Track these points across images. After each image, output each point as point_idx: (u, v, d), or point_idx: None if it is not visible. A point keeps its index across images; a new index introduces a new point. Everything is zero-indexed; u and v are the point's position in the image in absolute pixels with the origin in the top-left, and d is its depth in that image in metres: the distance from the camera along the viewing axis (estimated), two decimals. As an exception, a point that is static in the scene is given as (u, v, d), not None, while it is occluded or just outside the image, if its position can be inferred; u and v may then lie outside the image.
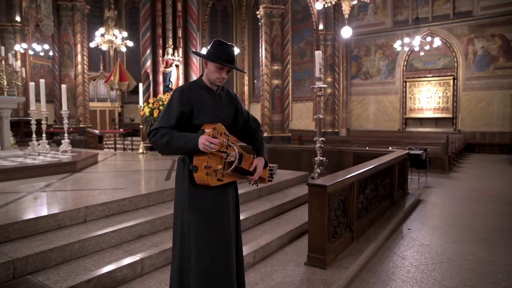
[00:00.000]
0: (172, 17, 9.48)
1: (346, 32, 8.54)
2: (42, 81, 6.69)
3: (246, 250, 3.48)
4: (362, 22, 17.07)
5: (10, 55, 11.09)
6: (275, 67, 14.07)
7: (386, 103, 16.75)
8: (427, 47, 14.18)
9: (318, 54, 6.17)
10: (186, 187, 2.20)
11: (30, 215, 3.15)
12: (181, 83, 9.69)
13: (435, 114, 15.65)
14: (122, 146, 11.45)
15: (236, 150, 2.16)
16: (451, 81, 15.19)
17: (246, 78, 23.13)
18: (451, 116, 15.28)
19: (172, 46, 9.41)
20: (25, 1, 15.71)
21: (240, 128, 2.46)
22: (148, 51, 9.59)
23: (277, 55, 14.01)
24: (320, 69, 6.16)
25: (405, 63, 16.24)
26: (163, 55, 9.37)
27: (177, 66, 9.38)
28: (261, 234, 3.95)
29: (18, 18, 15.33)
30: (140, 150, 8.74)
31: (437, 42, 14.00)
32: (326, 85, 6.47)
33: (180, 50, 9.64)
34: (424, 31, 15.14)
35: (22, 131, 11.86)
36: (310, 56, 18.28)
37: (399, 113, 16.43)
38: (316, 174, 6.23)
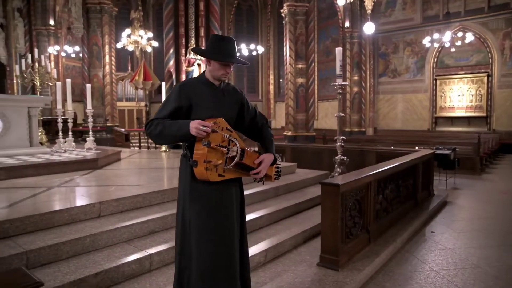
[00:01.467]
0: (194, 17, 9.57)
1: (369, 28, 8.31)
2: (68, 81, 6.91)
3: (257, 248, 3.44)
4: (390, 19, 16.59)
5: (43, 57, 11.55)
6: (300, 66, 13.91)
7: (415, 101, 16.20)
8: (458, 43, 13.59)
9: (339, 51, 6.01)
10: (188, 183, 2.18)
11: (46, 209, 3.23)
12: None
13: (468, 113, 14.98)
14: (146, 144, 11.68)
15: (238, 145, 2.12)
16: (485, 78, 14.48)
17: (271, 77, 23.09)
18: (484, 115, 14.58)
19: (194, 45, 9.49)
20: (58, 6, 16.35)
21: (247, 125, 2.41)
22: (171, 51, 9.74)
23: (302, 54, 13.84)
24: (340, 66, 6.01)
25: (435, 60, 15.65)
26: (186, 55, 9.47)
27: (199, 65, 9.45)
28: (274, 233, 3.89)
29: (52, 22, 15.96)
30: (163, 148, 8.87)
31: (470, 37, 13.37)
32: (347, 83, 6.30)
33: (203, 49, 9.71)
34: (455, 26, 14.53)
35: (53, 129, 12.33)
36: (336, 54, 17.99)
37: (429, 112, 15.85)
38: (336, 174, 6.09)
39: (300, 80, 14.05)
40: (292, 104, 14.24)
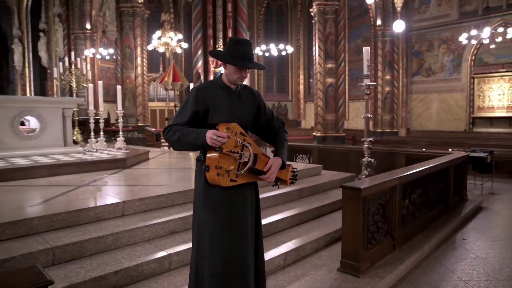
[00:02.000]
0: (222, 18, 9.66)
1: (399, 26, 8.04)
2: (100, 82, 7.17)
3: (277, 252, 3.41)
4: (424, 15, 16.01)
5: (79, 59, 12.06)
6: (329, 65, 13.72)
7: (451, 101, 15.54)
8: (499, 39, 12.88)
9: (366, 50, 5.87)
10: (202, 186, 2.19)
11: (73, 207, 3.36)
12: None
13: (509, 113, 14.19)
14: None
15: (251, 150, 2.10)
16: (529, 76, 13.67)
17: (301, 77, 22.94)
18: (528, 115, 13.77)
19: (222, 47, 9.58)
20: (94, 10, 17.01)
21: (263, 128, 2.40)
22: (200, 52, 9.87)
23: (331, 53, 13.64)
24: (368, 66, 5.88)
25: (473, 57, 14.93)
26: (214, 56, 9.56)
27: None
28: (295, 236, 3.85)
29: (88, 26, 16.63)
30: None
31: (512, 33, 12.65)
32: (374, 83, 6.13)
33: (230, 50, 9.79)
34: (496, 21, 13.79)
35: (88, 129, 12.83)
36: (367, 53, 17.59)
37: (466, 112, 15.16)
38: (363, 176, 5.95)
39: (329, 80, 13.86)
40: (321, 104, 14.06)
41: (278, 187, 2.41)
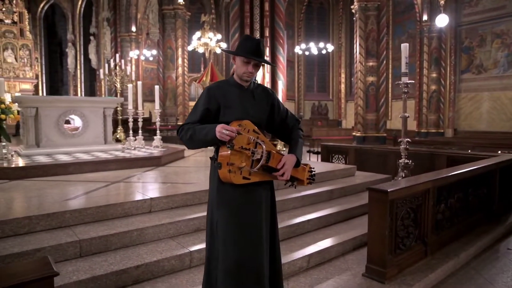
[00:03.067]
0: (259, 18, 9.65)
1: (442, 21, 7.58)
2: (139, 83, 7.44)
3: (300, 253, 3.35)
4: (476, 9, 15.01)
5: (123, 61, 12.60)
6: (370, 64, 13.28)
7: (505, 100, 14.45)
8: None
9: (405, 46, 5.59)
10: (215, 185, 2.19)
11: (103, 202, 3.51)
12: (267, 82, 9.81)
13: None
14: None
15: (264, 147, 2.06)
16: None
17: (342, 75, 22.44)
18: None
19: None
20: (140, 13, 17.73)
21: (277, 126, 2.36)
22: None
23: (372, 51, 13.19)
24: (406, 63, 5.60)
25: (531, 52, 13.79)
26: (250, 55, 9.58)
27: (262, 65, 9.51)
28: (321, 238, 3.75)
29: (133, 28, 17.37)
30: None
31: None
32: (412, 81, 5.83)
33: (267, 49, 9.77)
34: (558, 13, 12.64)
35: (128, 128, 13.40)
36: (413, 50, 16.81)
37: (522, 112, 14.04)
38: (399, 178, 5.70)
39: (370, 79, 13.41)
40: (361, 104, 13.65)
41: (295, 187, 2.35)
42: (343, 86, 22.47)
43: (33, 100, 6.45)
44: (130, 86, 7.42)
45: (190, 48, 12.82)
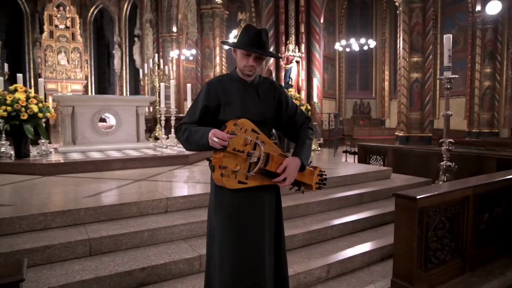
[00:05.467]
0: (294, 13, 9.39)
1: (493, 8, 6.87)
2: (172, 81, 7.49)
3: (319, 262, 3.11)
4: (538, -4, 13.65)
5: (162, 61, 12.85)
6: (415, 59, 12.48)
7: None
8: None
9: (447, 38, 5.12)
10: (214, 189, 2.04)
11: (121, 200, 3.48)
12: (302, 79, 9.54)
13: None
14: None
15: (262, 149, 1.86)
16: None
17: (386, 72, 21.48)
18: None
19: (293, 42, 9.32)
20: (180, 14, 18.07)
21: (285, 124, 2.15)
22: (271, 49, 9.75)
23: (417, 46, 12.39)
24: (449, 56, 5.13)
25: None
26: (285, 52, 9.36)
27: (297, 62, 9.24)
28: (346, 246, 3.47)
29: (174, 29, 17.73)
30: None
31: None
32: (456, 76, 5.33)
33: (303, 46, 9.48)
34: None
35: (169, 126, 13.66)
36: (463, 44, 15.69)
37: None
38: (440, 182, 5.23)
39: (415, 75, 12.61)
40: (404, 102, 12.88)
41: (302, 192, 2.13)
42: (387, 83, 21.49)
43: (70, 99, 6.69)
44: (162, 85, 7.50)
45: (226, 46, 12.81)
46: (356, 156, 8.59)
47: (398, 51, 13.35)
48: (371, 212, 4.18)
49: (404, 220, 2.76)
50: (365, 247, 3.46)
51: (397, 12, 13.08)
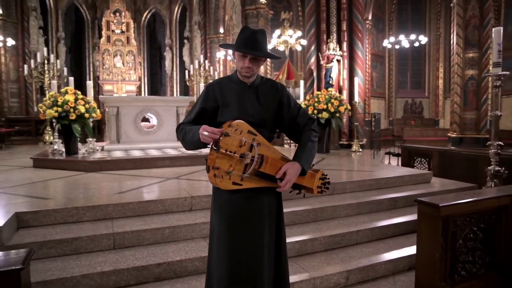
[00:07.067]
0: (336, 11, 9.16)
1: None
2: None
3: (337, 268, 3.01)
4: None
5: (206, 61, 13.16)
6: (470, 55, 11.62)
7: None
8: None
9: (497, 31, 4.72)
10: (214, 189, 2.05)
11: (148, 198, 3.63)
12: (344, 78, 9.28)
13: None
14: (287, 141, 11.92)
15: (257, 150, 1.84)
16: None
17: (440, 70, 20.27)
18: None
19: (334, 41, 9.09)
20: (227, 15, 18.39)
21: (287, 125, 2.11)
22: (313, 48, 9.59)
23: (473, 40, 11.52)
24: (499, 51, 4.74)
25: None
26: (326, 51, 9.16)
27: (338, 61, 9.00)
28: (370, 253, 3.34)
29: (221, 30, 18.10)
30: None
31: None
32: (507, 72, 4.89)
33: (344, 44, 9.22)
34: None
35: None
36: (529, 37, 14.32)
37: None
38: (487, 188, 4.83)
39: (470, 72, 11.74)
40: (458, 101, 12.05)
41: (304, 196, 2.08)
42: (441, 81, 20.26)
43: (115, 100, 7.09)
44: (201, 85, 7.66)
45: (270, 46, 12.82)
46: (400, 159, 8.20)
47: (451, 47, 12.54)
48: (403, 218, 3.97)
49: (426, 229, 2.59)
50: (391, 254, 3.30)
51: (451, 4, 12.28)
